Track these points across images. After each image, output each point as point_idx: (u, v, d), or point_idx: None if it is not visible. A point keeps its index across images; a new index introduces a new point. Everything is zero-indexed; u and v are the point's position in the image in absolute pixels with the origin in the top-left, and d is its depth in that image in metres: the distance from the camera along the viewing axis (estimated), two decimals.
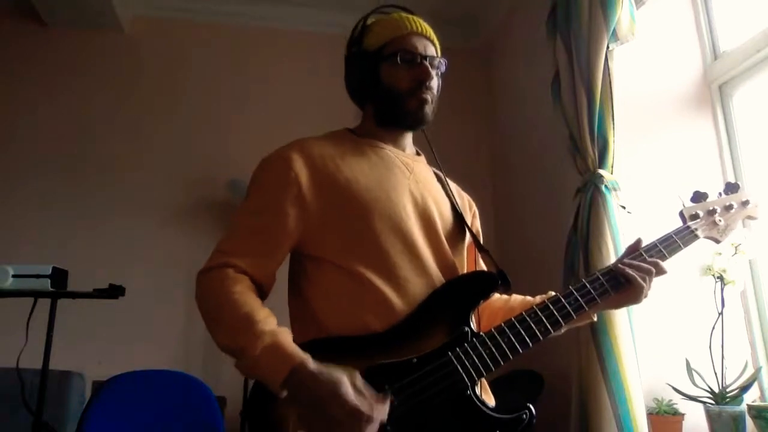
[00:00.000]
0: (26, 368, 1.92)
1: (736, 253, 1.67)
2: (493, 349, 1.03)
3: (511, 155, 3.13)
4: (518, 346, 1.04)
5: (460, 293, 1.08)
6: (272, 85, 3.27)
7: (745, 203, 1.31)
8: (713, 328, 1.68)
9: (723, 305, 1.68)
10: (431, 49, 1.18)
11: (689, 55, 2.19)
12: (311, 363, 0.91)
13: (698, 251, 1.75)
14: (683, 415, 1.76)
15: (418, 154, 1.26)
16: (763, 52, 1.86)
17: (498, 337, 1.03)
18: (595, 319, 1.26)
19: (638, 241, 1.21)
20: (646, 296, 1.16)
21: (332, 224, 1.07)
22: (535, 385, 2.24)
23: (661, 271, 1.17)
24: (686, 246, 1.24)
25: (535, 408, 1.06)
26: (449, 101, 3.42)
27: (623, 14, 1.95)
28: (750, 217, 1.33)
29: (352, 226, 1.06)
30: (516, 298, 1.25)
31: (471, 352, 1.01)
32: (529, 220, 2.81)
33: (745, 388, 1.64)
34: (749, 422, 1.59)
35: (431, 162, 1.27)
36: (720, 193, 1.31)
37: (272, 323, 0.97)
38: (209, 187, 3.07)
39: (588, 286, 1.13)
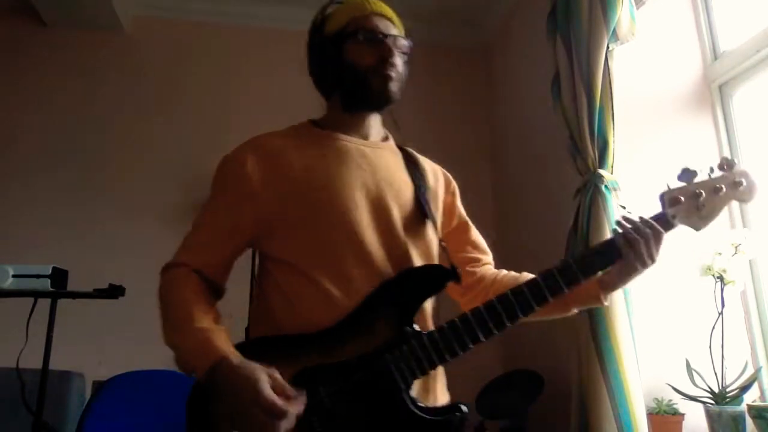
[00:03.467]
0: (26, 368, 1.92)
1: (736, 253, 1.67)
2: (431, 352, 1.01)
3: (511, 155, 3.13)
4: (457, 349, 1.02)
5: (408, 288, 1.05)
6: (272, 85, 3.27)
7: (737, 184, 1.14)
8: (713, 328, 1.68)
9: (723, 305, 1.68)
10: (393, 29, 1.17)
11: (689, 55, 2.19)
12: (234, 359, 0.93)
13: (698, 251, 1.76)
14: (683, 415, 1.76)
15: (386, 138, 1.24)
16: (763, 52, 1.86)
17: (438, 338, 1.01)
18: (607, 303, 1.16)
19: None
20: (648, 264, 1.08)
21: (283, 222, 1.08)
22: (535, 385, 2.24)
23: (658, 235, 1.10)
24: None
25: (535, 408, 1.05)
26: (450, 101, 3.46)
27: (623, 14, 1.95)
28: (741, 200, 1.18)
29: (301, 224, 1.08)
30: (511, 275, 1.24)
31: (408, 354, 1.00)
32: (529, 220, 2.81)
33: (745, 388, 1.64)
34: (749, 422, 1.59)
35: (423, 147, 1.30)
36: (710, 172, 1.16)
37: (206, 321, 0.99)
38: (209, 187, 3.07)
39: (572, 264, 1.08)
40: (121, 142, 3.08)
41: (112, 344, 2.69)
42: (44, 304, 1.98)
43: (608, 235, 1.81)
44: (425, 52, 3.57)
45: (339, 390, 0.98)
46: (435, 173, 1.27)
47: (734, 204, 1.97)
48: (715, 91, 2.11)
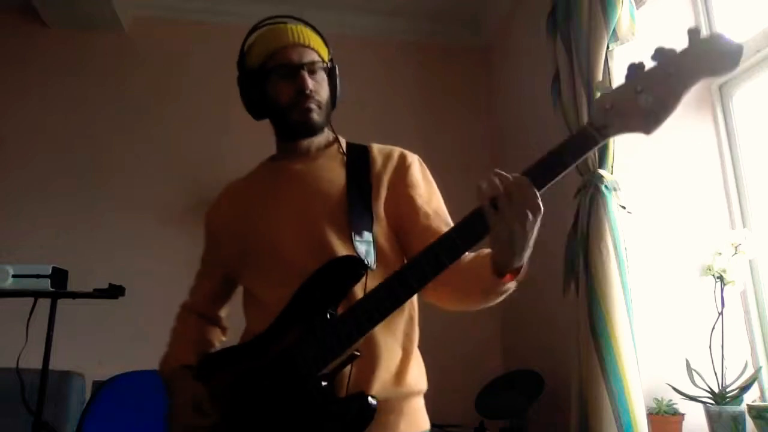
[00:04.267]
0: (26, 368, 1.92)
1: (736, 253, 1.67)
2: (332, 338, 1.01)
3: (511, 155, 3.13)
4: (355, 333, 1.01)
5: (319, 285, 1.07)
6: None
7: (702, 54, 0.84)
8: (713, 328, 1.68)
9: (723, 305, 1.68)
10: (308, 54, 1.21)
11: None
12: (169, 371, 1.24)
13: (698, 251, 1.76)
14: (683, 415, 1.76)
15: (331, 143, 1.28)
16: (763, 52, 1.86)
17: (338, 324, 1.02)
18: (511, 286, 1.00)
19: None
20: (510, 225, 0.89)
21: (234, 255, 1.25)
22: (535, 385, 2.24)
23: (519, 191, 0.90)
24: (575, 160, 0.94)
25: (535, 408, 1.05)
26: (450, 101, 3.45)
27: (623, 14, 1.95)
28: (713, 73, 0.85)
29: (241, 252, 1.22)
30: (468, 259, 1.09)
31: (313, 344, 1.02)
32: None
33: (745, 388, 1.64)
34: (749, 422, 1.59)
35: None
36: (660, 57, 0.88)
37: (173, 343, 1.34)
38: (209, 187, 3.06)
39: (435, 245, 0.97)
40: (121, 142, 3.08)
41: (112, 344, 2.69)
42: (44, 304, 1.99)
43: (608, 235, 1.81)
44: (425, 52, 3.60)
45: (255, 390, 1.07)
46: (387, 158, 1.23)
47: (735, 204, 1.99)
48: (715, 91, 2.11)
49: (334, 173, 1.21)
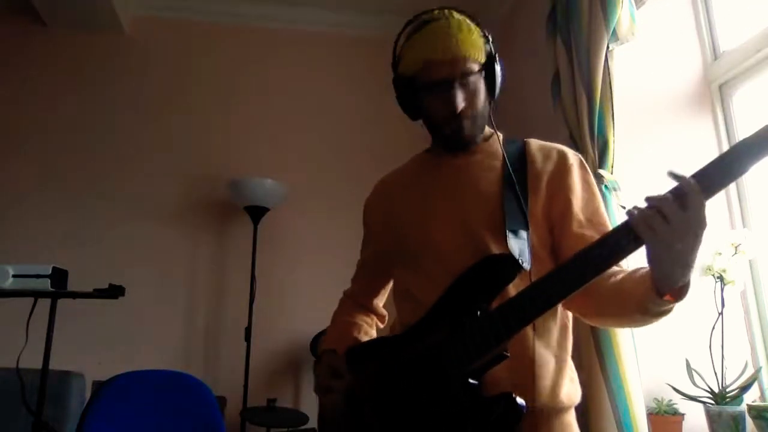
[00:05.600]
0: (26, 368, 1.92)
1: (736, 253, 1.67)
2: (480, 337, 0.98)
3: None
4: (503, 332, 0.97)
5: (471, 282, 1.05)
6: (272, 85, 3.27)
7: None
8: (713, 328, 1.68)
9: (723, 305, 1.68)
10: (459, 66, 1.12)
11: (689, 55, 2.19)
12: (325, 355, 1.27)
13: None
14: (683, 415, 1.76)
15: (489, 137, 1.23)
16: (763, 52, 1.86)
17: (486, 323, 0.99)
18: (673, 303, 0.94)
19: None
20: (670, 236, 0.83)
21: (389, 251, 1.27)
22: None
23: (691, 193, 0.84)
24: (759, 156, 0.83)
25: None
26: None
27: (623, 14, 1.95)
28: None
29: (396, 247, 1.24)
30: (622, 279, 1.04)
31: (461, 341, 1.00)
32: None
33: (745, 388, 1.64)
34: (749, 422, 1.59)
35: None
36: None
37: (333, 326, 1.39)
38: (209, 187, 3.07)
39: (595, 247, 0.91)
40: (121, 141, 3.09)
41: (112, 344, 2.69)
42: (44, 304, 1.98)
43: None
44: None
45: (399, 379, 1.08)
46: (547, 156, 1.19)
47: (735, 204, 1.99)
48: (715, 91, 2.11)
49: (491, 171, 1.18)
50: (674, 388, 1.75)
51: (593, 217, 1.15)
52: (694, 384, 1.71)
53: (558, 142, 1.28)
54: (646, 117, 2.14)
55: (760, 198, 1.93)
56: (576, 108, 2.00)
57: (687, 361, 1.76)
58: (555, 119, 2.14)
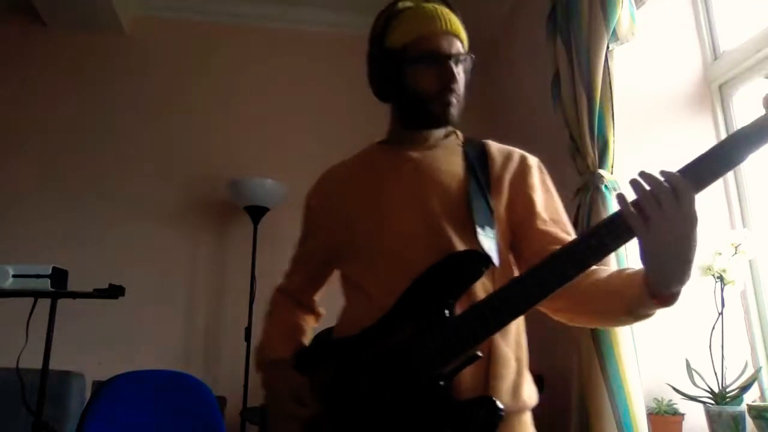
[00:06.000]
0: (26, 368, 1.92)
1: (736, 253, 1.67)
2: (455, 338, 0.95)
3: None
4: (480, 333, 0.94)
5: (437, 280, 1.01)
6: (272, 85, 3.27)
7: None
8: (713, 328, 1.68)
9: (723, 305, 1.68)
10: (456, 45, 1.13)
11: (689, 55, 2.19)
12: (272, 364, 1.18)
13: (698, 251, 1.75)
14: (683, 415, 1.76)
15: (448, 135, 1.23)
16: (763, 52, 1.86)
17: (461, 323, 0.96)
18: (667, 305, 0.91)
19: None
20: (675, 233, 0.79)
21: (341, 245, 1.19)
22: (535, 385, 2.24)
23: (683, 187, 0.79)
24: (756, 145, 0.82)
25: (535, 408, 1.04)
26: None
27: (623, 14, 1.95)
28: None
29: (349, 240, 1.17)
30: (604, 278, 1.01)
31: (431, 343, 0.96)
32: None
33: (745, 388, 1.64)
34: (749, 422, 1.59)
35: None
36: None
37: (272, 330, 1.28)
38: (209, 187, 3.07)
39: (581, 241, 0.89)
40: (121, 142, 3.09)
41: (112, 344, 2.69)
42: (44, 304, 1.98)
43: None
44: None
45: (367, 382, 1.02)
46: (508, 158, 1.19)
47: (735, 204, 1.99)
48: (715, 91, 2.11)
49: (453, 166, 1.15)
50: (674, 388, 1.75)
51: (555, 215, 1.15)
52: (694, 384, 1.71)
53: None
54: (646, 117, 2.14)
55: (760, 198, 1.93)
56: (576, 108, 2.00)
57: (687, 361, 1.76)
58: (555, 119, 2.14)
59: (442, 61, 1.10)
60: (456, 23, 1.14)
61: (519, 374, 1.06)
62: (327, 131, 3.17)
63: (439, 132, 1.21)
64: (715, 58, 2.13)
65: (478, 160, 1.16)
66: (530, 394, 1.08)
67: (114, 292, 1.99)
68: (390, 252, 1.09)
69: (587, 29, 1.98)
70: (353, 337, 1.07)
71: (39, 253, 2.74)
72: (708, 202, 2.02)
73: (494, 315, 0.92)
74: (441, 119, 1.14)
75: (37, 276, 1.91)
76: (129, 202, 3.01)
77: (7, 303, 1.97)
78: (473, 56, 1.15)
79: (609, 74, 1.95)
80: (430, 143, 1.20)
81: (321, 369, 1.09)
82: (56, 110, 3.08)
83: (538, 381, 2.39)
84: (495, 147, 1.22)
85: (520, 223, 1.12)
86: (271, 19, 3.36)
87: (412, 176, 1.14)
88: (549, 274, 0.89)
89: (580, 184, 1.97)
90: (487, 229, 1.06)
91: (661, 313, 0.94)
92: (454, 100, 1.12)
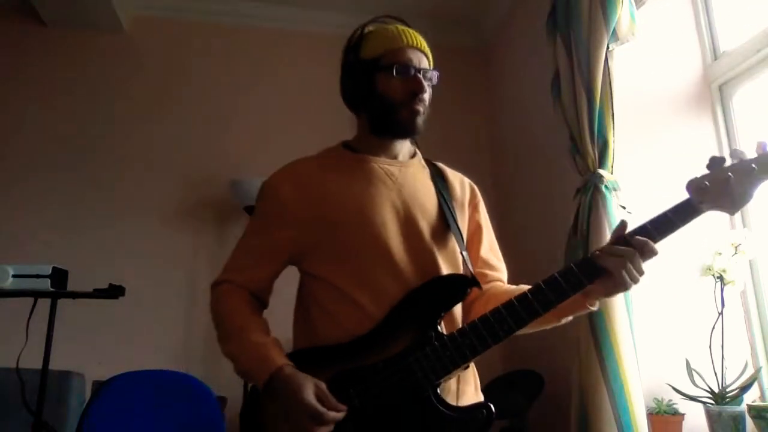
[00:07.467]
0: (26, 368, 1.92)
1: (736, 253, 1.67)
2: (453, 351, 1.07)
3: (511, 155, 3.13)
4: (479, 347, 1.07)
5: (431, 296, 1.12)
6: (272, 85, 3.27)
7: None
8: (713, 328, 1.68)
9: (723, 305, 1.68)
10: (425, 62, 1.23)
11: (689, 55, 2.19)
12: (287, 369, 1.06)
13: (698, 251, 1.76)
14: (683, 415, 1.76)
15: (414, 154, 1.31)
16: (763, 52, 1.86)
17: (459, 339, 1.07)
18: (595, 308, 1.13)
19: (623, 225, 1.10)
20: (635, 281, 1.05)
21: (318, 243, 1.18)
22: (535, 385, 2.24)
23: (648, 252, 1.05)
24: (684, 223, 1.10)
25: (535, 408, 1.06)
26: (450, 101, 3.46)
27: (623, 14, 1.95)
28: None
29: (334, 245, 1.17)
30: (504, 289, 1.25)
31: (431, 355, 1.07)
32: (529, 220, 2.81)
33: (745, 388, 1.64)
34: (749, 422, 1.59)
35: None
36: (739, 156, 1.10)
37: (259, 334, 1.14)
38: (210, 186, 3.07)
39: (559, 279, 1.07)
40: (121, 141, 3.08)
41: (112, 344, 2.69)
42: (44, 304, 1.98)
43: (608, 235, 1.81)
44: None
45: (367, 391, 1.06)
46: (462, 185, 1.33)
47: None
48: (715, 91, 2.11)
49: (427, 187, 1.25)
50: (674, 388, 1.75)
51: (492, 244, 1.32)
52: (694, 384, 1.71)
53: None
54: (646, 117, 2.14)
55: (760, 198, 1.93)
56: (576, 108, 2.00)
57: (687, 361, 1.76)
58: (555, 119, 2.14)
59: (412, 72, 1.19)
60: (423, 42, 1.25)
61: (475, 378, 1.21)
62: (327, 131, 3.16)
63: (406, 148, 1.29)
64: (715, 58, 2.13)
65: (442, 183, 1.28)
66: (479, 398, 1.21)
67: (114, 292, 1.99)
68: (382, 266, 1.14)
69: (587, 29, 1.98)
70: (347, 345, 1.10)
71: (39, 253, 2.74)
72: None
73: (490, 332, 1.06)
74: (408, 127, 1.20)
75: (37, 276, 1.92)
76: (129, 202, 3.00)
77: (7, 303, 1.97)
78: (438, 72, 1.24)
79: (609, 74, 1.95)
80: (400, 159, 1.27)
81: (317, 375, 1.07)
82: (56, 110, 3.08)
83: (538, 381, 2.41)
84: (449, 171, 1.34)
85: (470, 249, 1.28)
86: (271, 20, 3.36)
87: (400, 195, 1.20)
88: (543, 296, 1.07)
89: (580, 184, 1.97)
90: (464, 252, 1.21)
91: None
92: (420, 109, 1.19)
